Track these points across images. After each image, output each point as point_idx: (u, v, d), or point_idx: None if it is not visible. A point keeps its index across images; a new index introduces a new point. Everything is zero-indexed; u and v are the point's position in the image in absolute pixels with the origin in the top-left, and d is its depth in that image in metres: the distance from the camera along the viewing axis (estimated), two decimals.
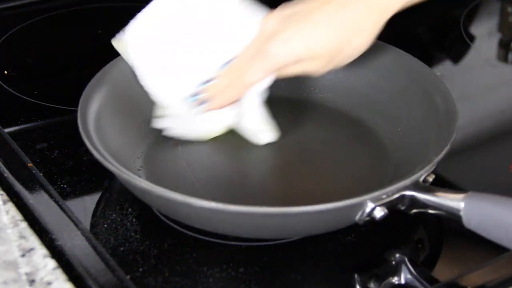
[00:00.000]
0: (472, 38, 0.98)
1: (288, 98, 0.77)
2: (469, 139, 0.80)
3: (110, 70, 0.71)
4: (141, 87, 0.70)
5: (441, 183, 0.63)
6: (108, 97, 0.69)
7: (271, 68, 0.65)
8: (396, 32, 1.02)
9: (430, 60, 0.96)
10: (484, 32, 1.02)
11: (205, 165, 0.70)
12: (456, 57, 0.95)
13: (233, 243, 0.63)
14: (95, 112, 0.67)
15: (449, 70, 0.94)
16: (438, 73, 0.92)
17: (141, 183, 0.59)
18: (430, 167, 0.61)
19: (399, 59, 0.75)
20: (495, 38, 1.00)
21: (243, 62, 0.67)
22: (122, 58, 0.71)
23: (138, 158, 0.69)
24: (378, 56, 0.76)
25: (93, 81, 0.70)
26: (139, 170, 0.67)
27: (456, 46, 0.97)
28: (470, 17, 1.03)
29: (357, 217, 0.59)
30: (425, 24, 1.03)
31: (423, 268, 0.61)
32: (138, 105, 0.71)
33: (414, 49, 0.97)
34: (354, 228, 0.64)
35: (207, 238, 0.63)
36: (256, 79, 0.66)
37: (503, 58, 0.97)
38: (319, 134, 0.74)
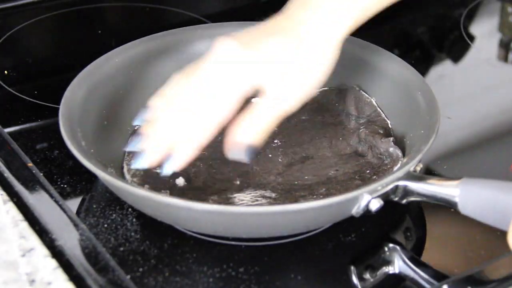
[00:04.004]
0: (472, 38, 0.98)
1: None
2: (469, 139, 0.80)
3: (91, 71, 0.71)
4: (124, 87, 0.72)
5: None
6: (90, 99, 0.69)
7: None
8: (396, 32, 1.02)
9: (430, 60, 0.96)
10: (484, 32, 1.02)
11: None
12: (456, 57, 0.95)
13: (233, 243, 0.63)
14: (77, 115, 0.66)
15: (449, 70, 0.94)
16: (438, 73, 0.92)
17: (140, 191, 0.59)
18: (420, 157, 0.62)
19: (380, 57, 0.76)
20: (495, 38, 1.00)
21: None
22: (103, 59, 0.72)
23: (125, 160, 0.69)
24: (361, 55, 0.76)
25: (73, 82, 0.69)
26: (132, 177, 0.67)
27: (456, 46, 0.97)
28: (470, 17, 1.03)
29: (354, 210, 0.60)
30: (425, 24, 1.03)
31: (415, 256, 0.63)
32: (118, 109, 0.71)
33: (414, 49, 0.98)
34: (355, 228, 0.64)
35: (207, 238, 0.63)
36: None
37: (503, 58, 0.97)
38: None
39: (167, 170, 0.60)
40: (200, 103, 0.58)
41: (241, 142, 0.59)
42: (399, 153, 0.67)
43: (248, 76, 0.58)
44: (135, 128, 0.70)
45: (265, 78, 0.59)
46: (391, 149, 0.67)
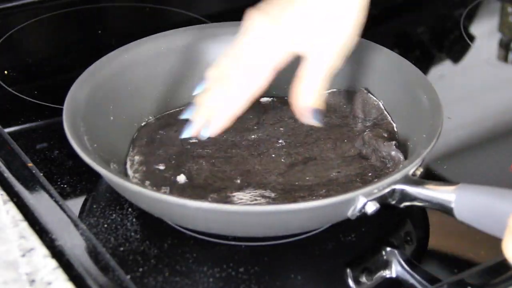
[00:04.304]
0: (472, 38, 0.98)
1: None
2: (469, 139, 0.80)
3: (95, 70, 0.71)
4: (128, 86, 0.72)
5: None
6: (97, 93, 0.69)
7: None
8: (396, 32, 1.02)
9: (430, 60, 0.96)
10: (484, 32, 1.02)
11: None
12: (456, 57, 0.95)
13: (233, 243, 0.63)
14: (82, 109, 0.67)
15: (449, 70, 0.94)
16: (438, 73, 0.92)
17: (143, 190, 0.59)
18: (418, 161, 0.62)
19: (385, 58, 0.76)
20: (495, 38, 1.00)
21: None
22: (107, 58, 0.72)
23: (130, 159, 0.69)
24: (366, 55, 0.76)
25: (81, 77, 0.69)
26: (134, 174, 0.67)
27: (456, 46, 0.97)
28: (470, 17, 1.03)
29: (349, 213, 0.60)
30: (425, 24, 1.03)
31: (413, 261, 0.62)
32: (126, 105, 0.71)
33: (414, 49, 0.98)
34: (355, 228, 0.64)
35: (207, 238, 0.63)
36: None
37: (503, 58, 0.97)
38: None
39: (202, 135, 0.66)
40: (237, 75, 0.64)
41: (305, 106, 0.65)
42: (401, 156, 0.67)
43: (281, 48, 0.64)
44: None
45: (300, 44, 0.64)
46: (393, 153, 0.67)
